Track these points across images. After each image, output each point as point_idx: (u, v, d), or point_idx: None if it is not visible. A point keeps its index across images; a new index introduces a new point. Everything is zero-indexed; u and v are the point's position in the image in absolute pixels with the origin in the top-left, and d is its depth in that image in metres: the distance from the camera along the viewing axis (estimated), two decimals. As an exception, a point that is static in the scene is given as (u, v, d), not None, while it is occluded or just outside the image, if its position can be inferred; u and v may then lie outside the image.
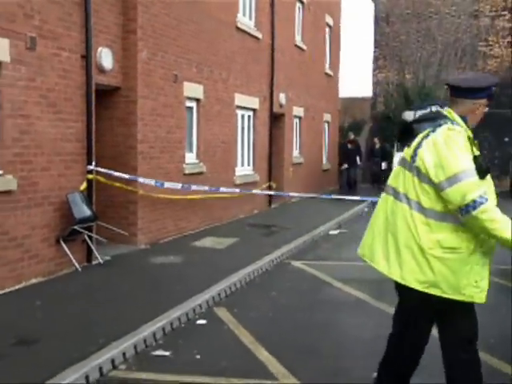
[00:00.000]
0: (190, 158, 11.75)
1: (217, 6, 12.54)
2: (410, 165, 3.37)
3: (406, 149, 3.49)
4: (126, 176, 9.35)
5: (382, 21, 25.44)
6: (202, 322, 6.25)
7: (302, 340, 5.61)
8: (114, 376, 4.82)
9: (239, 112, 14.24)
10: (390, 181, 3.54)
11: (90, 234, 8.36)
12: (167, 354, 5.31)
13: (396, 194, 3.42)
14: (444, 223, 3.24)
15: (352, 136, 21.10)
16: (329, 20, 22.17)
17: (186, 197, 11.06)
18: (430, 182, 3.23)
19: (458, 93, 3.48)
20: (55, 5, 7.89)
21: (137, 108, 9.76)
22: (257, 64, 15.05)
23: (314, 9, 20.13)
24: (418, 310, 3.52)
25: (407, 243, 3.29)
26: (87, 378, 4.66)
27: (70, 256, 7.99)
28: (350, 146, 20.24)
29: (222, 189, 10.18)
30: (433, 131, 3.30)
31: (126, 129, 9.79)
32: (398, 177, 3.47)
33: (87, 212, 8.22)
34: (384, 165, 21.09)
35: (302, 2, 19.14)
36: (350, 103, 26.00)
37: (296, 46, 18.41)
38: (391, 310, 6.31)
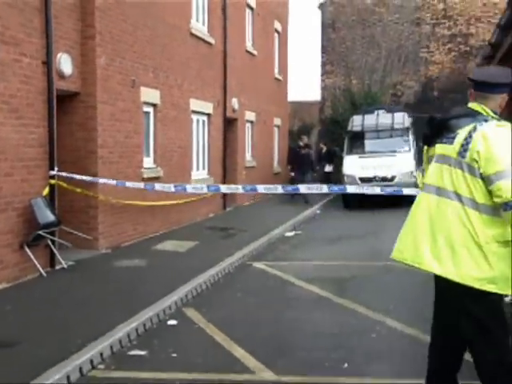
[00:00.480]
0: (148, 162, 11.85)
1: (171, 12, 12.69)
2: (457, 161, 3.32)
3: (440, 146, 3.46)
4: (89, 178, 9.41)
5: (328, 27, 26.04)
6: (172, 322, 6.42)
7: (273, 336, 5.85)
8: (94, 375, 4.95)
9: (194, 117, 14.40)
10: (429, 179, 3.48)
11: (53, 238, 8.38)
12: (143, 353, 5.46)
13: (441, 192, 3.37)
14: (496, 217, 3.22)
15: (306, 140, 20.94)
16: (277, 26, 22.58)
17: (145, 202, 11.17)
18: (481, 175, 3.21)
19: (488, 88, 3.45)
20: (15, 10, 7.91)
21: (96, 113, 9.82)
22: (210, 69, 15.25)
23: (263, 15, 20.49)
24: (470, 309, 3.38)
25: (463, 241, 3.25)
26: (68, 378, 4.77)
27: (35, 261, 8.00)
28: (303, 150, 19.65)
29: (189, 188, 10.24)
30: (480, 126, 3.28)
31: (85, 134, 9.83)
32: (439, 174, 3.41)
33: (51, 217, 8.24)
34: (328, 167, 21.41)
35: (252, 8, 19.46)
36: (299, 107, 26.49)
37: (247, 51, 18.72)
38: (353, 306, 6.72)
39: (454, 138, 3.38)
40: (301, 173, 18.72)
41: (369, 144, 18.20)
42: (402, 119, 18.11)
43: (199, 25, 14.69)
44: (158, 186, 10.00)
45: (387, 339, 5.64)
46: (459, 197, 3.28)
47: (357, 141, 18.42)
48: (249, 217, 15.07)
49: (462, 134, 3.34)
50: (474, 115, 3.40)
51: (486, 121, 3.31)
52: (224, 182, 16.25)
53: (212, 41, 15.26)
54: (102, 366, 5.12)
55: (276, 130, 22.64)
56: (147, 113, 11.87)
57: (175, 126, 13.06)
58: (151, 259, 9.28)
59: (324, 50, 26.11)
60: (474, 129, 3.28)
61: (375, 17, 25.38)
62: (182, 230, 12.54)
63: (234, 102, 17.14)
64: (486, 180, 3.18)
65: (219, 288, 8.01)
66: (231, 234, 11.97)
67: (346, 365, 4.97)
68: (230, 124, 17.13)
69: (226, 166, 16.46)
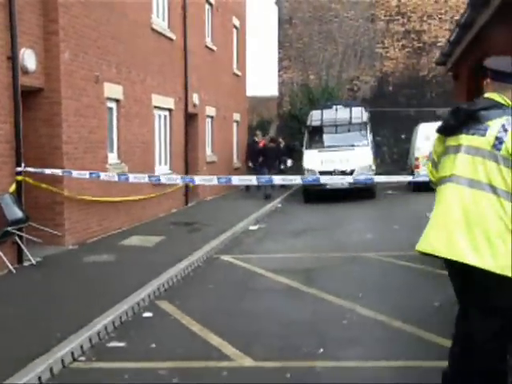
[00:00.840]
0: (112, 158, 11.85)
1: (132, 8, 12.68)
2: (491, 154, 3.34)
3: (468, 137, 3.47)
4: (61, 172, 9.39)
5: (285, 23, 26.33)
6: (148, 314, 6.53)
7: (248, 324, 6.03)
8: (76, 367, 5.03)
9: (156, 112, 14.43)
10: (459, 171, 3.48)
11: (21, 234, 8.34)
12: (122, 344, 5.56)
13: (474, 185, 3.40)
14: None
15: (259, 134, 21.27)
16: (235, 22, 22.71)
17: (111, 198, 11.18)
18: None
19: (510, 78, 3.52)
20: (-20, 5, 7.83)
21: (61, 109, 9.79)
22: (171, 65, 15.29)
23: (221, 11, 20.58)
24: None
25: (499, 233, 3.28)
26: (51, 369, 4.85)
27: (3, 258, 7.96)
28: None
29: (163, 179, 10.28)
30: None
31: (50, 130, 9.78)
32: (471, 167, 3.42)
33: (19, 213, 8.21)
34: (290, 162, 21.63)
35: (211, 4, 19.53)
36: (257, 102, 26.71)
37: (206, 46, 18.80)
38: (322, 295, 6.96)
39: (484, 129, 3.40)
40: (266, 167, 18.85)
41: (328, 138, 18.55)
42: (360, 114, 18.52)
43: (160, 20, 14.71)
44: (132, 178, 9.95)
45: (358, 325, 5.88)
46: (494, 189, 3.32)
47: (316, 135, 18.76)
48: (212, 212, 15.19)
49: (494, 127, 3.37)
50: (500, 107, 3.45)
51: None
52: (186, 177, 16.34)
53: (173, 36, 15.29)
54: (83, 358, 5.20)
55: (235, 125, 22.79)
56: (111, 108, 11.86)
57: (138, 121, 13.08)
58: (120, 254, 9.33)
59: (281, 45, 26.39)
60: (508, 121, 3.33)
61: (331, 13, 25.80)
62: (147, 225, 12.59)
63: (195, 98, 17.22)
64: None
65: (190, 281, 8.14)
66: (196, 229, 12.08)
67: (321, 350, 5.19)
68: (190, 119, 17.19)
69: (187, 160, 16.53)
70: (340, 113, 18.69)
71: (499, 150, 3.31)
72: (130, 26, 12.53)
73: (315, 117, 18.96)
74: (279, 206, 17.16)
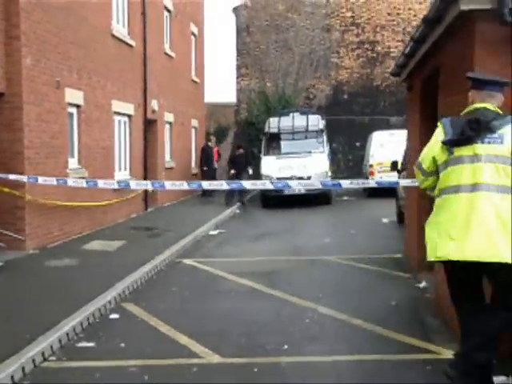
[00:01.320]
0: (73, 163, 11.86)
1: (92, 14, 12.73)
2: (506, 158, 3.81)
3: (481, 145, 3.83)
4: (25, 178, 9.39)
5: (243, 31, 26.63)
6: (115, 316, 6.65)
7: (214, 324, 6.22)
8: (47, 366, 5.13)
9: (116, 118, 14.48)
10: (487, 179, 3.82)
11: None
12: (91, 344, 5.68)
13: (503, 189, 3.79)
14: None
15: (213, 139, 21.45)
16: (194, 29, 22.89)
17: (72, 203, 11.20)
18: None
19: (497, 87, 4.04)
20: None
21: (22, 114, 9.79)
22: (131, 71, 15.36)
23: (180, 18, 20.73)
24: None
25: None
26: (23, 369, 4.94)
27: (-34, 262, 7.93)
28: (237, 152, 19.70)
29: (132, 184, 10.34)
30: None
31: (11, 134, 9.77)
32: (495, 174, 3.81)
33: (-19, 218, 8.19)
34: (251, 170, 21.30)
35: (170, 11, 19.66)
36: (215, 109, 26.89)
37: (165, 53, 18.91)
38: (285, 296, 7.22)
39: (500, 138, 3.83)
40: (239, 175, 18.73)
41: (285, 145, 18.91)
42: (317, 121, 18.95)
43: (120, 27, 14.79)
44: (101, 184, 9.95)
45: (320, 324, 6.15)
46: None
47: (274, 142, 19.10)
48: (171, 217, 15.30)
49: (508, 135, 3.82)
50: (500, 115, 3.90)
51: None
52: (145, 183, 16.40)
53: (133, 43, 15.37)
54: (53, 358, 5.30)
55: (193, 131, 22.93)
56: (71, 114, 11.88)
57: (98, 126, 13.11)
58: (82, 259, 9.37)
59: (239, 53, 26.67)
60: None
61: (288, 22, 26.22)
62: (107, 230, 12.62)
63: (154, 104, 17.31)
64: None
65: (154, 284, 8.27)
66: (157, 234, 12.18)
67: (285, 346, 5.43)
68: (149, 125, 17.26)
69: (146, 166, 16.60)
70: (297, 120, 19.07)
71: None
72: (91, 32, 12.59)
73: (273, 124, 19.28)
74: (238, 211, 17.38)
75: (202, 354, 5.31)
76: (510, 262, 3.68)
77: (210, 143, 21.37)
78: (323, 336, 5.77)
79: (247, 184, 10.09)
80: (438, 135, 4.10)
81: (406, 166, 12.39)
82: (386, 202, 15.65)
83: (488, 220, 3.75)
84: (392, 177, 15.78)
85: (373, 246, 10.51)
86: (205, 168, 20.55)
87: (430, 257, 4.04)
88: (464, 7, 4.76)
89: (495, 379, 4.14)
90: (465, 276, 4.04)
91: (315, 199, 17.27)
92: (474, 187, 3.84)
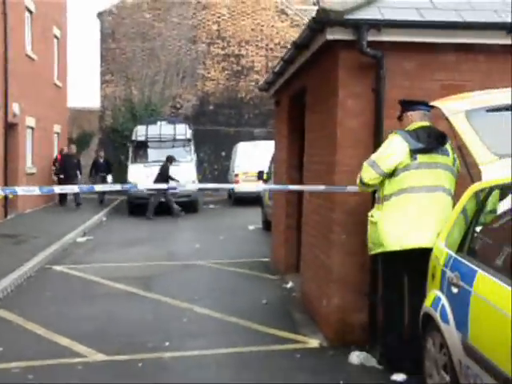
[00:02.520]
0: None
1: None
2: (451, 168, 4.88)
3: (441, 156, 4.80)
4: None
5: (108, 37, 26.32)
6: (-13, 322, 6.54)
7: (93, 326, 6.35)
8: None
9: (-24, 120, 13.85)
10: (442, 182, 4.80)
11: None
12: (-34, 351, 5.59)
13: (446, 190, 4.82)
14: None
15: (74, 148, 20.78)
16: (56, 32, 22.35)
17: None
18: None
19: (427, 107, 4.92)
20: None
21: None
22: (-9, 72, 14.77)
23: (42, 19, 20.16)
24: None
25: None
26: None
27: None
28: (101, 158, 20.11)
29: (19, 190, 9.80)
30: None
31: None
32: (447, 178, 4.85)
33: None
34: (110, 178, 20.21)
35: (31, 12, 19.08)
36: (78, 114, 26.29)
37: (27, 55, 18.32)
38: (161, 298, 7.51)
39: (446, 151, 4.87)
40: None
41: (153, 153, 19.06)
42: (184, 130, 19.31)
43: (-19, 26, 14.19)
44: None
45: (197, 322, 6.52)
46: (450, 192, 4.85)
47: (141, 150, 19.18)
48: (35, 224, 14.87)
49: (450, 149, 4.89)
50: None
51: None
52: (6, 189, 15.79)
53: (-7, 43, 14.81)
54: None
55: (56, 136, 22.32)
56: None
57: (-43, 129, 12.50)
58: None
59: (104, 59, 26.32)
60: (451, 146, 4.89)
61: (154, 31, 26.35)
62: (-34, 237, 12.07)
63: (15, 107, 16.72)
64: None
65: (25, 290, 8.16)
66: (22, 241, 11.85)
67: (167, 343, 5.73)
68: (10, 129, 16.63)
69: (6, 172, 15.99)
70: (164, 129, 19.30)
71: (454, 165, 4.89)
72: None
73: (140, 132, 19.35)
74: (104, 219, 17.23)
75: (85, 354, 5.46)
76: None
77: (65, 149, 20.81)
78: (201, 332, 6.14)
79: (98, 187, 10.37)
80: (401, 144, 4.82)
81: (270, 176, 13.16)
82: (250, 210, 16.39)
83: (439, 215, 4.65)
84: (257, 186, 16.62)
85: (241, 250, 11.05)
86: (61, 176, 19.53)
87: (392, 247, 4.75)
88: (330, 37, 5.41)
89: (395, 376, 4.74)
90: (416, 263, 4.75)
91: (182, 206, 17.52)
92: (435, 188, 4.76)
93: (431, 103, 4.80)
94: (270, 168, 13.88)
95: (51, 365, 5.21)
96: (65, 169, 19.51)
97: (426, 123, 4.92)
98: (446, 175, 4.82)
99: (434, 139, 4.82)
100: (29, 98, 18.11)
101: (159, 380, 4.86)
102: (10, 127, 16.54)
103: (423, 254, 4.51)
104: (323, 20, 5.27)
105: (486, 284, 3.41)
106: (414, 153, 4.78)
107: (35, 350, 5.58)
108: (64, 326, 6.30)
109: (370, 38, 5.29)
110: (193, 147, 19.38)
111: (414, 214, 4.72)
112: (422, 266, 4.47)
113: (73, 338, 5.86)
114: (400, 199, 4.82)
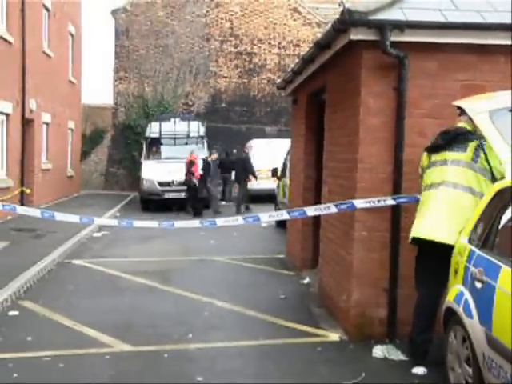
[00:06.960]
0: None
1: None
2: (470, 164, 4.78)
3: (449, 153, 4.82)
4: None
5: (122, 34, 26.50)
6: (14, 313, 6.70)
7: (118, 318, 6.51)
8: (-44, 361, 5.18)
9: (-6, 116, 14.06)
10: (449, 178, 4.84)
11: None
12: (-4, 339, 5.76)
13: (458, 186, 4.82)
14: None
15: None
16: (71, 29, 22.56)
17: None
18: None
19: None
20: None
21: None
22: (8, 69, 14.96)
23: (58, 17, 20.37)
24: None
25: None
26: None
27: None
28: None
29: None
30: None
31: None
32: (454, 173, 4.84)
33: None
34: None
35: (48, 9, 19.28)
36: (92, 111, 26.52)
37: (44, 52, 18.53)
38: (181, 292, 7.62)
39: (464, 148, 4.80)
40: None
41: (166, 150, 19.24)
42: (198, 127, 19.48)
43: (-2, 22, 14.38)
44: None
45: (218, 315, 6.66)
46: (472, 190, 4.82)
47: (154, 147, 19.35)
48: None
49: (471, 147, 4.80)
50: (470, 133, 4.88)
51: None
52: (22, 184, 16.03)
53: (11, 39, 14.98)
54: (-41, 354, 5.35)
55: (70, 132, 22.54)
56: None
57: (-23, 124, 12.70)
58: (-34, 259, 9.16)
59: (117, 56, 26.50)
60: (480, 144, 4.79)
61: (168, 29, 26.51)
62: (-14, 231, 12.27)
63: (32, 103, 16.93)
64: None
65: (48, 283, 8.33)
66: (41, 235, 12.04)
67: (190, 335, 5.88)
68: (27, 125, 16.84)
69: (23, 167, 16.20)
70: (178, 126, 19.47)
71: (476, 162, 4.75)
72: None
73: (154, 128, 19.52)
74: (118, 214, 17.40)
75: (113, 344, 5.62)
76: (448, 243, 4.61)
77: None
78: (223, 325, 6.29)
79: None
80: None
81: (285, 173, 13.29)
82: (264, 207, 16.52)
83: (436, 208, 4.79)
84: (270, 183, 16.83)
85: (255, 247, 11.19)
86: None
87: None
88: (353, 37, 5.52)
89: (415, 370, 4.85)
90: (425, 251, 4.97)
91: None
92: (438, 184, 4.85)
93: (454, 103, 4.90)
94: (284, 166, 14.00)
95: (80, 354, 5.37)
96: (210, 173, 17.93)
97: (462, 124, 4.97)
98: (456, 170, 4.80)
99: (444, 138, 4.90)
100: (45, 94, 18.31)
101: (186, 370, 5.01)
102: (27, 123, 16.74)
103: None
104: (348, 21, 5.38)
105: (510, 279, 3.52)
106: (429, 153, 5.05)
107: (64, 340, 5.73)
108: (89, 318, 6.46)
109: (393, 39, 5.41)
110: (206, 144, 19.52)
111: (419, 210, 5.03)
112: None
113: (98, 329, 6.01)
114: (422, 197, 5.10)
